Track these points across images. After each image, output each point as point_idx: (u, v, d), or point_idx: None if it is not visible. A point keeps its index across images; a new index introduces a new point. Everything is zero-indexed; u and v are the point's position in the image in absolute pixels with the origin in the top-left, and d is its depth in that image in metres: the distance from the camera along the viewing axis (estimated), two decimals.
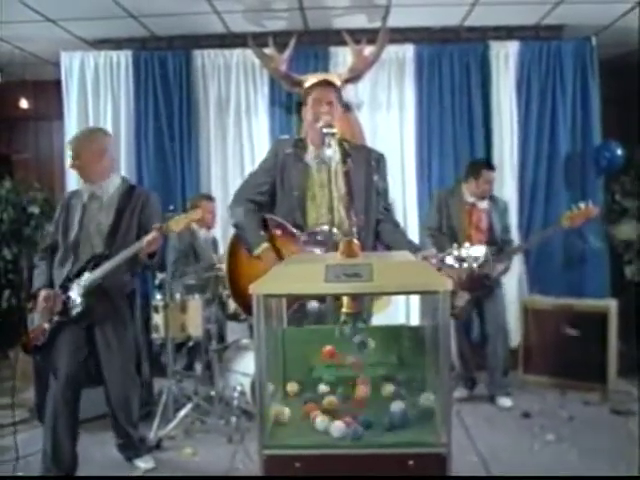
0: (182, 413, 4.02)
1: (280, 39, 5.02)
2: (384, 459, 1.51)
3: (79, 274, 3.13)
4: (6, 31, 5.07)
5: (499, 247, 4.38)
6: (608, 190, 5.46)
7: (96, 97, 5.53)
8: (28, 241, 5.62)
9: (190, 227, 4.85)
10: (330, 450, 1.53)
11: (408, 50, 5.37)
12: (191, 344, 4.42)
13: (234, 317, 4.49)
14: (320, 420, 1.61)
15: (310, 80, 3.06)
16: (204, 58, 5.49)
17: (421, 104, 5.40)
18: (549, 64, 5.34)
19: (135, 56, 5.48)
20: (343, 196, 2.76)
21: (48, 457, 3.10)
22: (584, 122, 5.36)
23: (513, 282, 5.30)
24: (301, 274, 1.58)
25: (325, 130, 2.53)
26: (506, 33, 5.50)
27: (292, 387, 1.91)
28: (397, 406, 1.66)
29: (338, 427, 1.56)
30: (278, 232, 2.78)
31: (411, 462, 1.50)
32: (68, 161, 3.24)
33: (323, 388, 1.87)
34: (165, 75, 5.48)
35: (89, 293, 3.10)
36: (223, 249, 5.11)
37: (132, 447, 3.45)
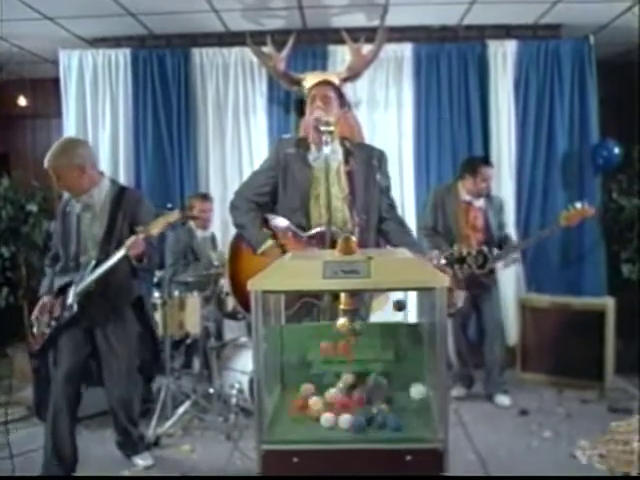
0: (180, 410, 4.03)
1: (278, 38, 5.06)
2: (382, 454, 1.52)
3: (77, 281, 3.16)
4: (4, 29, 5.07)
5: (498, 245, 4.36)
6: (605, 189, 5.47)
7: (94, 95, 5.53)
8: (26, 239, 5.62)
9: (189, 227, 4.87)
10: (327, 445, 1.55)
11: (406, 49, 5.37)
12: (189, 342, 4.44)
13: (232, 315, 4.50)
14: (326, 417, 1.62)
15: (311, 80, 3.06)
16: (202, 56, 5.49)
17: (419, 103, 5.41)
18: (547, 63, 5.35)
19: (133, 54, 5.49)
20: (346, 195, 2.78)
21: (49, 453, 3.12)
22: (582, 121, 5.37)
23: (510, 280, 5.32)
24: (299, 270, 1.59)
25: (322, 128, 2.54)
26: (504, 32, 5.51)
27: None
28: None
29: (346, 419, 1.58)
30: (281, 232, 2.78)
31: (409, 457, 1.51)
32: (54, 182, 3.17)
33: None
34: (163, 73, 5.49)
35: (84, 297, 3.11)
36: (221, 246, 5.14)
37: (131, 444, 3.46)
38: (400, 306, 1.88)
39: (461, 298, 4.35)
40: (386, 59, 5.31)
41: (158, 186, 5.46)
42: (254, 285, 1.52)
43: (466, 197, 4.43)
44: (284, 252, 2.71)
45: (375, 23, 5.11)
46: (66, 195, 3.39)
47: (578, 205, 4.24)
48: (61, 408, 3.11)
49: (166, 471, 3.40)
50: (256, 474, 1.55)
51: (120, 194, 3.29)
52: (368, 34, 4.94)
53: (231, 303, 4.40)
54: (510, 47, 5.34)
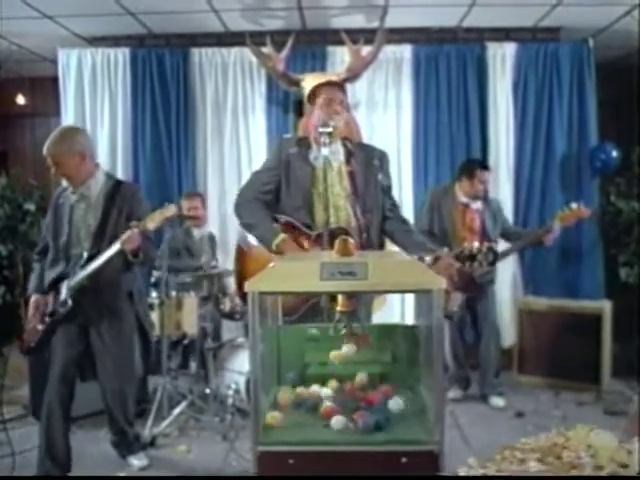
0: (177, 411, 4.02)
1: (278, 38, 5.07)
2: (377, 456, 1.52)
3: (69, 274, 3.13)
4: (3, 27, 5.07)
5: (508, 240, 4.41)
6: (603, 192, 5.48)
7: (93, 94, 5.53)
8: (24, 238, 5.62)
9: (186, 226, 4.86)
10: (323, 447, 1.54)
11: (405, 50, 5.38)
12: (186, 342, 4.43)
13: (229, 316, 4.49)
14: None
15: (310, 80, 3.06)
16: (202, 56, 5.49)
17: (418, 104, 5.41)
18: (546, 66, 5.36)
19: (133, 54, 5.48)
20: (349, 195, 2.78)
21: (43, 452, 3.11)
22: (580, 124, 5.38)
23: (507, 283, 5.33)
24: (296, 272, 1.59)
25: (321, 129, 2.54)
26: (503, 34, 5.52)
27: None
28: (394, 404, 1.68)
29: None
30: (288, 231, 2.77)
31: (404, 459, 1.51)
32: (52, 170, 3.12)
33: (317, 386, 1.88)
34: (162, 73, 5.48)
35: (78, 292, 3.09)
36: (221, 245, 5.14)
37: (126, 444, 3.45)
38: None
39: (458, 301, 4.36)
40: (385, 60, 5.31)
41: (156, 185, 5.45)
42: (251, 286, 1.52)
43: (463, 199, 4.43)
44: (299, 245, 2.70)
45: (374, 24, 5.12)
46: (60, 187, 3.35)
47: (574, 206, 4.25)
48: (55, 407, 3.10)
49: (162, 471, 3.39)
50: (251, 475, 1.55)
51: (116, 187, 3.25)
52: (367, 35, 4.96)
53: (228, 303, 4.40)
54: (509, 49, 5.35)
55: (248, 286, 1.52)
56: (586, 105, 5.34)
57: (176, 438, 3.85)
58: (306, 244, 2.73)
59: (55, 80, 5.57)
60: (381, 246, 2.91)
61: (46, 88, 6.07)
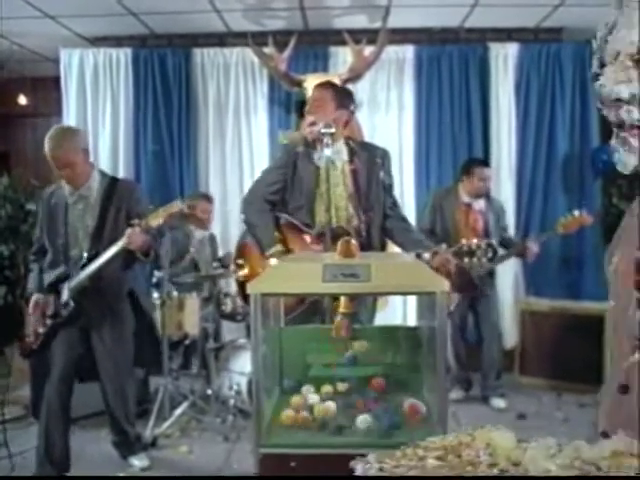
0: (178, 411, 4.02)
1: (280, 38, 5.07)
2: None
3: (69, 275, 3.11)
4: (5, 27, 5.06)
5: (502, 247, 4.37)
6: (606, 193, 5.47)
7: (95, 94, 5.53)
8: (25, 238, 5.61)
9: (187, 230, 4.85)
10: (325, 449, 1.54)
11: (408, 51, 5.37)
12: (188, 342, 4.42)
13: (231, 316, 4.49)
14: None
15: (312, 81, 3.08)
16: (204, 56, 5.48)
17: (420, 105, 5.40)
18: (548, 66, 5.34)
19: (135, 54, 5.48)
20: (351, 194, 2.79)
21: (41, 452, 3.10)
22: (582, 124, 5.37)
23: (509, 284, 5.32)
24: (299, 274, 1.59)
25: (323, 130, 2.54)
26: (506, 35, 5.51)
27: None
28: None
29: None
30: (289, 230, 2.78)
31: None
32: (58, 172, 3.05)
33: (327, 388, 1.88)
34: (164, 73, 5.48)
35: (79, 294, 3.07)
36: (221, 246, 5.13)
37: (127, 445, 3.44)
38: None
39: (454, 301, 4.35)
40: (387, 61, 5.31)
41: (158, 185, 5.44)
42: (253, 288, 1.51)
43: (465, 199, 4.43)
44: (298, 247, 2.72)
45: (377, 25, 5.11)
46: (49, 188, 3.29)
47: (576, 213, 4.25)
48: (55, 407, 3.09)
49: (163, 472, 3.39)
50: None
51: (112, 185, 3.20)
52: (370, 36, 4.95)
53: (230, 304, 4.40)
54: (511, 50, 5.34)
55: (250, 288, 1.52)
56: (588, 106, 5.32)
57: (177, 439, 3.84)
58: (305, 243, 2.73)
59: (57, 80, 5.56)
60: (382, 246, 2.92)
61: (48, 88, 6.06)
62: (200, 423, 4.03)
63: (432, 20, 5.32)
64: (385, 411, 1.63)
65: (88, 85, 5.52)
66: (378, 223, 2.85)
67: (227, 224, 5.38)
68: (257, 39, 4.98)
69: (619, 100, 0.84)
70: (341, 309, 1.77)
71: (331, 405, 1.71)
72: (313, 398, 1.78)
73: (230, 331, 4.86)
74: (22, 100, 6.38)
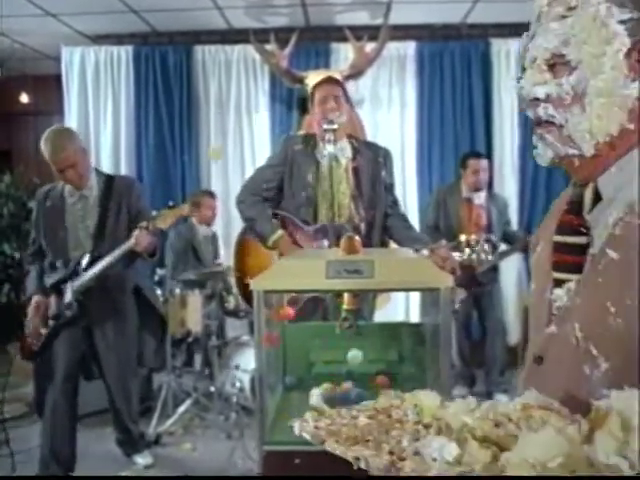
0: (181, 409, 4.02)
1: (281, 35, 5.06)
2: None
3: (71, 277, 3.07)
4: (6, 25, 5.05)
5: (506, 242, 4.36)
6: None
7: (96, 92, 5.52)
8: (27, 236, 5.61)
9: (190, 224, 4.85)
10: None
11: (409, 47, 5.36)
12: (191, 340, 4.42)
13: (233, 313, 4.49)
14: None
15: (314, 77, 3.07)
16: (205, 54, 5.48)
17: (422, 101, 5.39)
18: None
19: (136, 51, 5.47)
20: (353, 192, 2.78)
21: (47, 451, 3.09)
22: None
23: (512, 280, 5.30)
24: (302, 270, 1.58)
25: (325, 126, 2.53)
26: (508, 30, 5.48)
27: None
28: None
29: None
30: (288, 228, 2.78)
31: None
32: (58, 173, 2.98)
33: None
34: (166, 71, 5.48)
35: (82, 295, 3.04)
36: (223, 244, 5.13)
37: (131, 442, 3.44)
38: None
39: (459, 297, 4.34)
40: (389, 57, 5.30)
41: (160, 183, 5.45)
42: (256, 285, 1.51)
43: (466, 194, 4.41)
44: (295, 242, 2.71)
45: (378, 21, 5.10)
46: (43, 189, 3.24)
47: None
48: (61, 409, 3.07)
49: (167, 470, 3.39)
50: (257, 474, 1.54)
51: (109, 183, 3.16)
52: (371, 32, 4.94)
53: (233, 301, 4.39)
54: (513, 45, 5.32)
55: (253, 284, 1.51)
56: None
57: (181, 436, 3.85)
58: (304, 239, 2.73)
59: (58, 78, 5.56)
60: (383, 244, 2.91)
61: (49, 86, 6.06)
62: (203, 420, 4.03)
63: (434, 16, 5.30)
64: None
65: (89, 83, 5.52)
66: (379, 222, 2.85)
67: (229, 221, 5.37)
68: (258, 36, 4.97)
69: (536, 99, 0.94)
70: (345, 306, 1.76)
71: None
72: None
73: (233, 328, 4.85)
74: (24, 98, 6.38)
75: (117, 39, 5.62)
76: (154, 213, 3.04)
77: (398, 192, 3.07)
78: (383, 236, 2.90)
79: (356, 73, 4.90)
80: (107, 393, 3.31)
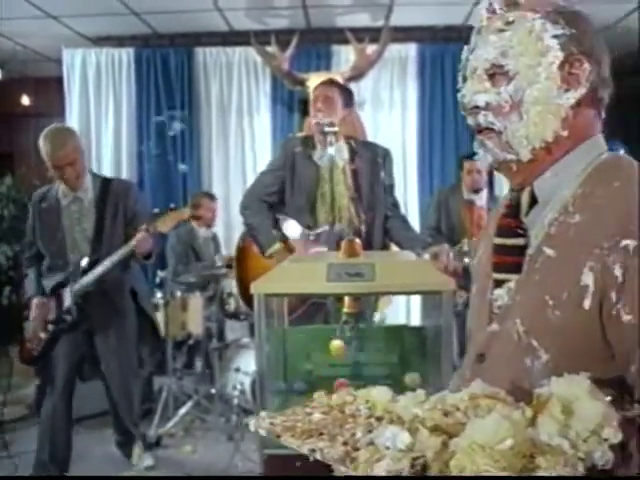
0: (182, 411, 4.01)
1: (282, 37, 5.06)
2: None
3: (70, 280, 3.05)
4: (8, 27, 5.06)
5: None
6: None
7: (98, 94, 5.53)
8: None
9: (190, 226, 4.85)
10: None
11: (411, 49, 5.36)
12: (191, 342, 4.42)
13: (234, 316, 4.48)
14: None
15: (315, 79, 3.06)
16: (206, 56, 5.48)
17: (423, 103, 5.39)
18: None
19: (137, 53, 5.48)
20: (353, 194, 2.78)
21: (45, 456, 3.07)
22: None
23: None
24: (303, 273, 1.58)
25: (327, 129, 2.53)
26: None
27: None
28: None
29: None
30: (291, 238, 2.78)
31: None
32: (55, 172, 2.95)
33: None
34: (167, 73, 5.48)
35: (82, 299, 3.02)
36: (224, 246, 5.12)
37: (131, 444, 3.42)
38: None
39: (462, 298, 4.32)
40: (390, 59, 5.30)
41: (161, 185, 5.44)
42: (257, 288, 1.50)
43: (467, 196, 4.40)
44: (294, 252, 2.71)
45: (379, 23, 5.10)
46: (39, 190, 3.22)
47: None
48: (60, 414, 3.07)
49: (167, 472, 3.38)
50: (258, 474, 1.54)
51: (105, 186, 3.13)
52: (372, 34, 4.94)
53: (233, 303, 4.39)
54: None
55: (254, 287, 1.51)
56: None
57: (181, 438, 3.84)
58: (306, 247, 2.72)
59: (59, 80, 5.57)
60: (384, 246, 2.90)
61: (50, 88, 6.06)
62: (204, 422, 4.03)
63: (435, 18, 5.30)
64: None
65: (91, 85, 5.52)
66: (379, 224, 2.83)
67: (229, 224, 5.37)
68: (260, 38, 4.97)
69: (477, 107, 1.00)
70: (345, 309, 1.75)
71: None
72: None
73: (233, 330, 4.85)
74: (25, 100, 6.38)
75: (118, 41, 5.62)
76: (156, 211, 3.03)
77: (399, 194, 3.07)
78: (384, 238, 2.89)
79: (357, 75, 4.90)
80: (108, 396, 3.30)
